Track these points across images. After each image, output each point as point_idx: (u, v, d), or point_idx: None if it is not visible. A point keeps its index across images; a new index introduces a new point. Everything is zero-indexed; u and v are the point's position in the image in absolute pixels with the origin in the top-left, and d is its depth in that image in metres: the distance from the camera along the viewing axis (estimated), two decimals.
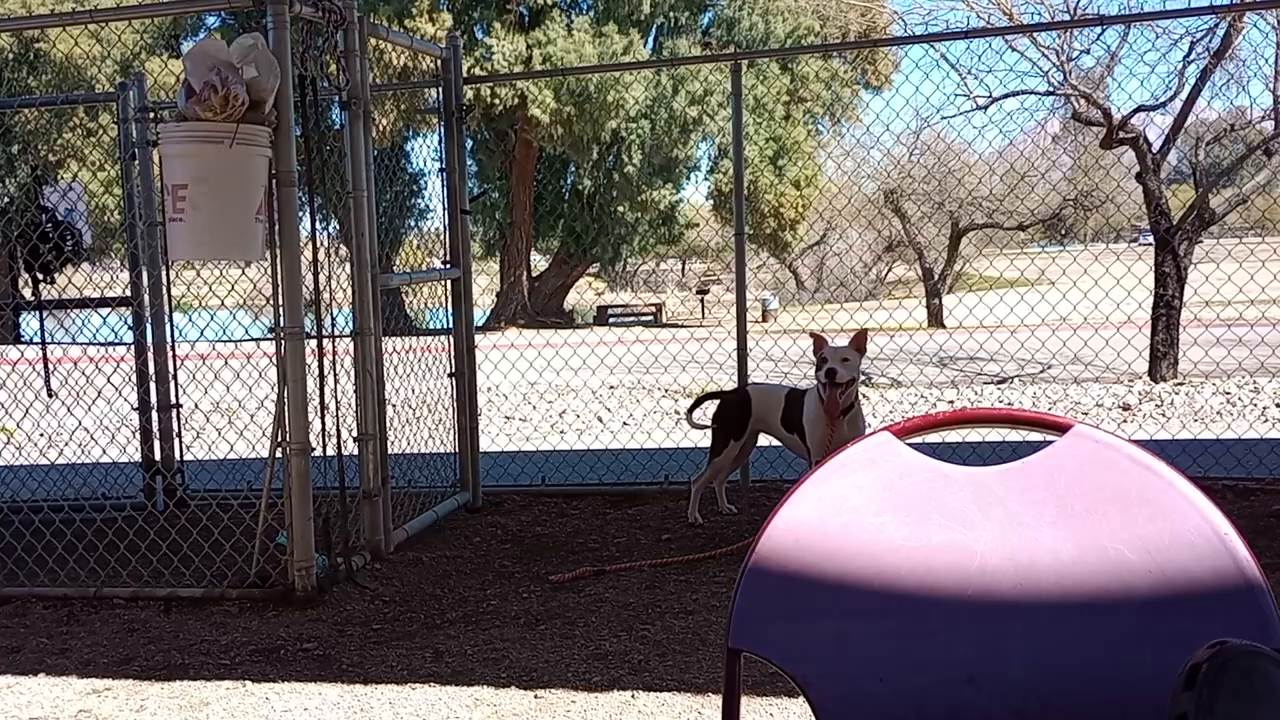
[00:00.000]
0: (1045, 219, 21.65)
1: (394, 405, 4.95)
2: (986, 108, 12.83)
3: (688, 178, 27.59)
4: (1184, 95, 11.13)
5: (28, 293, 5.58)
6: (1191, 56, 11.19)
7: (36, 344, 5.58)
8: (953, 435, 6.02)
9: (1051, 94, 12.38)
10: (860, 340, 4.54)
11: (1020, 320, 9.01)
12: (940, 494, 1.26)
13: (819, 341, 4.54)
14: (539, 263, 30.67)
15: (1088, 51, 12.16)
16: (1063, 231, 23.92)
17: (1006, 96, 12.80)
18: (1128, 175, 12.20)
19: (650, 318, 27.79)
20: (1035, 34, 11.44)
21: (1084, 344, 8.30)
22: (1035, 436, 1.29)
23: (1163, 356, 10.86)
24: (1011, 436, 5.90)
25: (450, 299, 5.51)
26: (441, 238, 5.53)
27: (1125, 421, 8.21)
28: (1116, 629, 1.16)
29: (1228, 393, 9.15)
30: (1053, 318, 8.08)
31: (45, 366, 5.49)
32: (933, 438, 1.40)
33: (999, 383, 11.41)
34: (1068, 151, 19.02)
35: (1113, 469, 1.21)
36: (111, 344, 6.09)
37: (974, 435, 6.07)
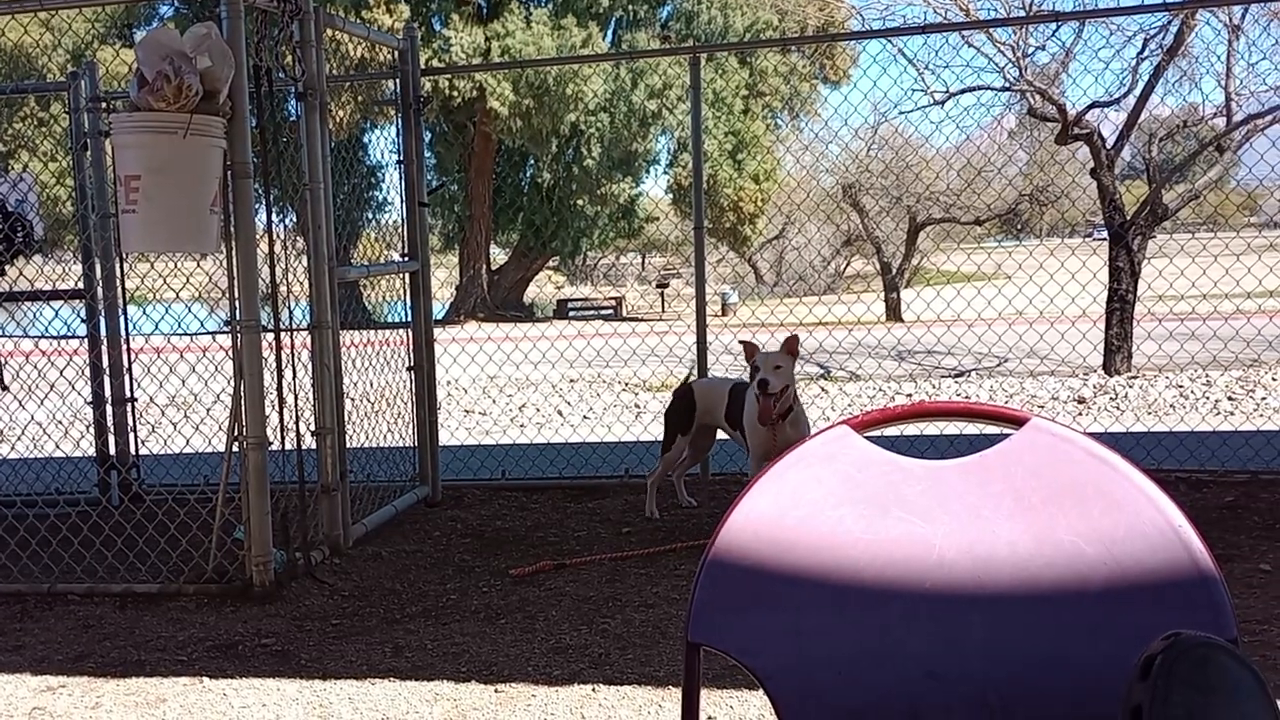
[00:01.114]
0: (1001, 214, 21.87)
1: (352, 399, 4.91)
2: (943, 103, 12.95)
3: (647, 171, 27.62)
4: (1138, 92, 11.29)
5: None
6: (1145, 53, 11.36)
7: None
8: (910, 428, 6.09)
9: (1007, 90, 12.51)
10: (792, 345, 4.46)
11: (977, 314, 9.10)
12: (898, 487, 1.27)
13: (750, 349, 4.47)
14: (498, 256, 30.55)
15: (1043, 48, 12.30)
16: (1019, 226, 24.18)
17: (963, 92, 12.92)
18: (1082, 171, 12.36)
19: (610, 311, 27.78)
20: (991, 30, 11.55)
21: (1040, 338, 8.39)
22: (992, 430, 1.30)
23: (1117, 350, 11.02)
24: (969, 430, 5.95)
25: (409, 292, 5.47)
26: (400, 230, 5.49)
27: (1081, 414, 8.32)
28: (1073, 621, 1.18)
29: (1181, 386, 9.30)
30: (1009, 311, 8.17)
31: None
32: (890, 431, 1.41)
33: (956, 376, 11.52)
34: (1024, 147, 19.24)
35: (1069, 462, 1.23)
36: (64, 337, 5.98)
37: (931, 429, 6.12)
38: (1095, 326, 10.36)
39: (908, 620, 1.22)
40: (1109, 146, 11.38)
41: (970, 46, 12.26)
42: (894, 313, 22.49)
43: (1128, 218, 11.16)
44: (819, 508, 1.27)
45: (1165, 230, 11.62)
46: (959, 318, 9.79)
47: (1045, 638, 1.18)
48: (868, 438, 1.32)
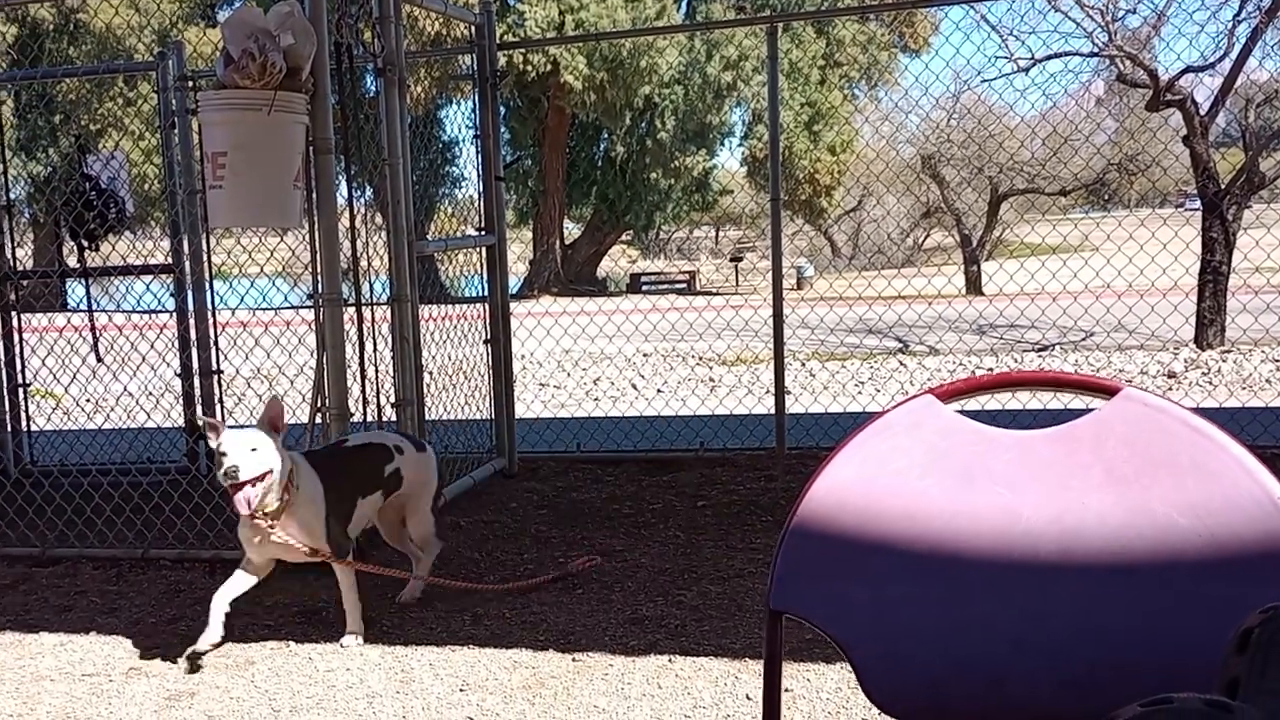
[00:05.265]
0: (1088, 184, 21.31)
1: (430, 372, 4.98)
2: (1028, 70, 12.65)
3: (722, 144, 27.47)
4: (1234, 55, 10.89)
5: (73, 260, 5.65)
6: (1242, 15, 10.94)
7: (83, 311, 5.66)
8: (993, 403, 5.97)
9: (1096, 55, 12.16)
10: (274, 413, 3.20)
11: (1063, 286, 8.89)
12: (984, 457, 1.25)
13: (212, 429, 3.16)
14: (572, 230, 30.67)
15: (1134, 11, 11.95)
16: (1106, 196, 23.54)
17: (1049, 58, 12.59)
18: (1174, 138, 11.98)
19: (684, 285, 27.72)
20: None
21: (1128, 310, 8.16)
22: (1078, 404, 1.27)
23: (1210, 323, 10.70)
24: (1053, 403, 5.83)
25: (485, 266, 5.52)
26: (476, 205, 5.53)
27: (1171, 389, 8.10)
28: (1165, 593, 1.15)
29: (1278, 360, 8.99)
30: (1096, 284, 7.96)
31: (93, 333, 5.56)
32: (973, 404, 1.38)
33: (1040, 350, 11.29)
34: (1112, 114, 18.68)
35: (1163, 432, 1.19)
36: (154, 311, 6.16)
37: (1015, 402, 6.01)
38: (1187, 299, 10.06)
39: (993, 590, 1.20)
40: (1203, 113, 11.01)
41: (1057, 11, 11.92)
42: (974, 286, 22.10)
43: (1222, 186, 10.79)
44: (904, 477, 1.25)
45: (1262, 199, 11.22)
46: (1043, 290, 9.57)
47: (1136, 610, 1.15)
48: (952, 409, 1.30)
